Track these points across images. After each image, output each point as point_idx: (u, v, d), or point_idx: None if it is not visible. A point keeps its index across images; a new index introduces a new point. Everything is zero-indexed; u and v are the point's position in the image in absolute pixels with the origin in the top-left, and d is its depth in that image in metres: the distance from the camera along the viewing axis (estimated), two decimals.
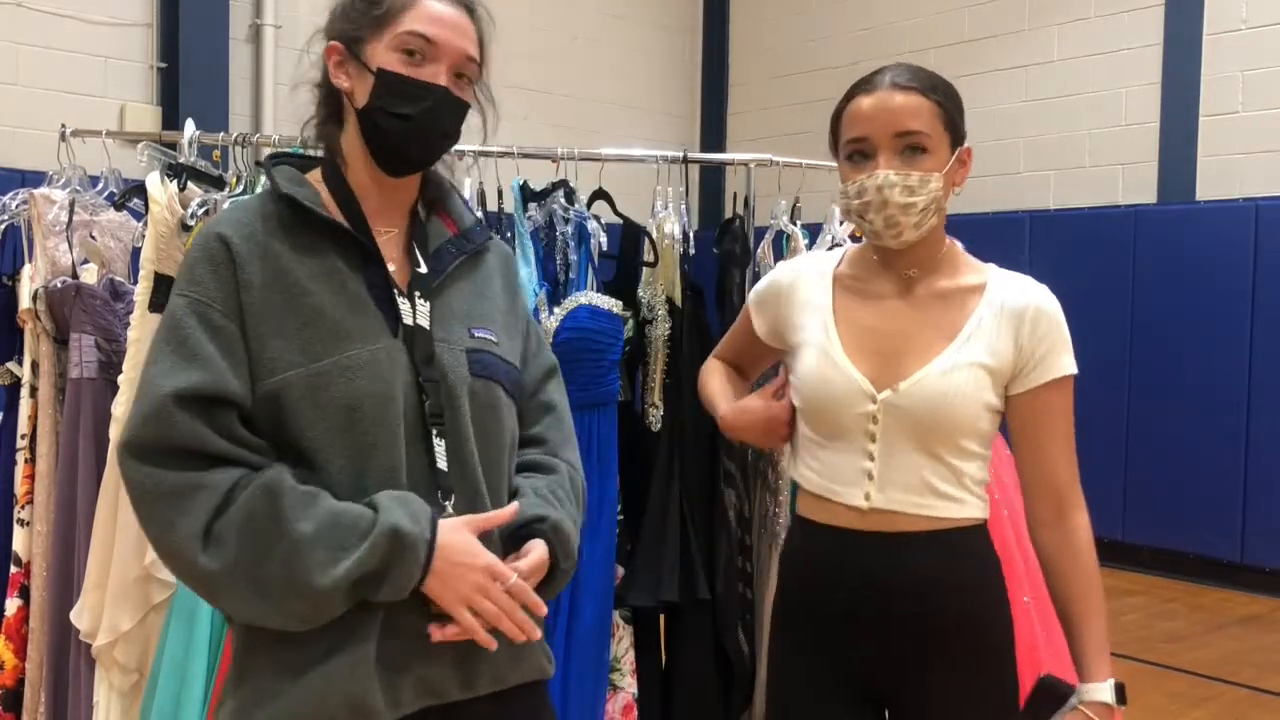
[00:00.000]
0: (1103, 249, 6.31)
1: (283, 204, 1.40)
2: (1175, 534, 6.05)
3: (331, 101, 1.48)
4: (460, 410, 1.41)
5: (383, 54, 1.41)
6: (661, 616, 2.53)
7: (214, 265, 1.36)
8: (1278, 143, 5.93)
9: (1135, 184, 6.46)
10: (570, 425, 1.62)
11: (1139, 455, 6.18)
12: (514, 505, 1.43)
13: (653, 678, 2.52)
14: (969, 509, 1.64)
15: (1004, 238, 6.53)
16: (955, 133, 1.62)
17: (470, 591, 1.34)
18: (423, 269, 1.46)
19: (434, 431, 1.39)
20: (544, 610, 1.41)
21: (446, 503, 1.39)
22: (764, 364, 1.95)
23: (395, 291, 1.41)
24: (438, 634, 1.35)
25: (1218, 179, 6.12)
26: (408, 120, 1.41)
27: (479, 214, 1.63)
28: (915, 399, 1.59)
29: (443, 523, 1.35)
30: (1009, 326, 1.62)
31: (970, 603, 1.63)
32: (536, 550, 1.42)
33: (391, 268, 1.44)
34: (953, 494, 1.62)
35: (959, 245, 2.59)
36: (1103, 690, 1.55)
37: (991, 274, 1.68)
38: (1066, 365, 1.62)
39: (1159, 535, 6.12)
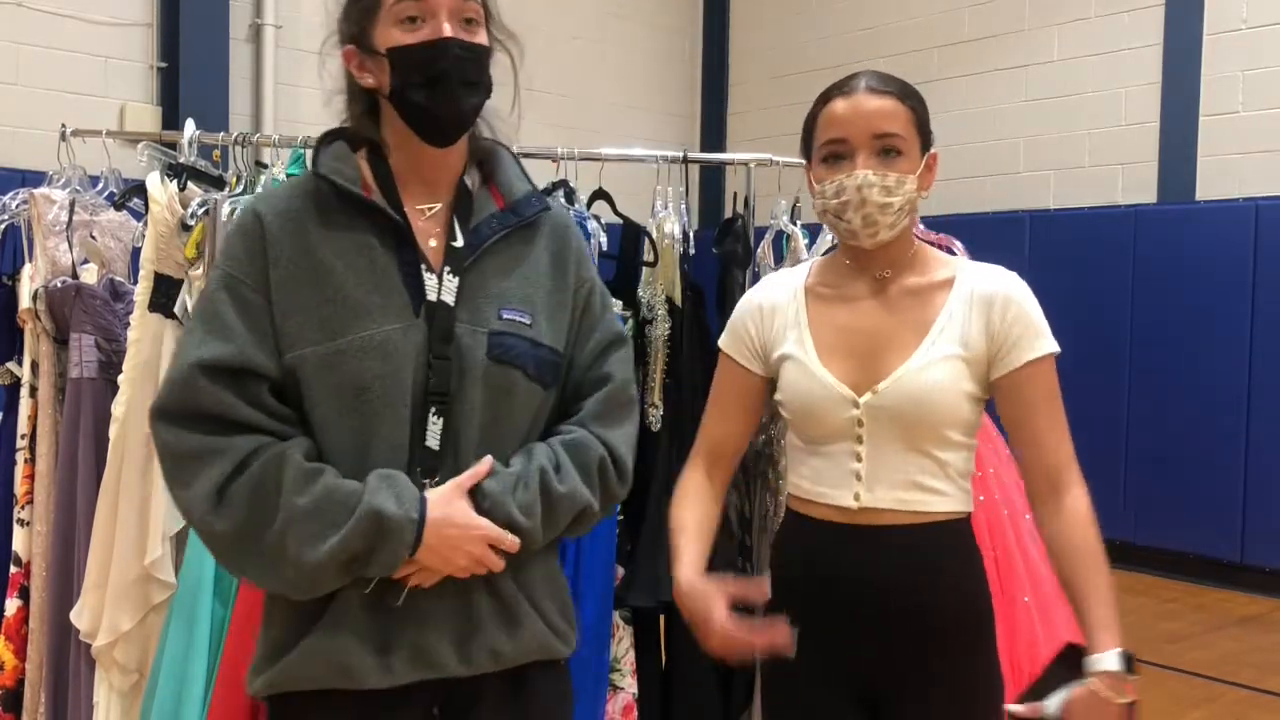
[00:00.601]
0: (1103, 249, 6.31)
1: (322, 182, 1.43)
2: (1175, 534, 6.05)
3: (363, 99, 1.49)
4: (469, 391, 1.41)
5: (386, 34, 1.41)
6: (661, 616, 2.53)
7: (247, 241, 1.41)
8: (1278, 143, 5.93)
9: (1135, 184, 6.46)
10: (622, 398, 1.56)
11: (1139, 455, 6.17)
12: (489, 459, 1.42)
13: (653, 678, 2.52)
14: (953, 502, 1.66)
15: (1004, 238, 6.53)
16: (925, 137, 1.67)
17: (469, 564, 1.38)
18: (459, 243, 1.45)
19: (433, 409, 1.40)
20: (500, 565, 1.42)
21: (428, 481, 1.40)
22: (754, 420, 1.83)
23: (423, 267, 1.42)
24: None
25: (1218, 179, 6.12)
26: (428, 85, 1.40)
27: (533, 185, 1.58)
28: (896, 398, 1.62)
29: (432, 495, 1.37)
30: (979, 314, 1.64)
31: (956, 594, 1.65)
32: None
33: (433, 244, 1.46)
34: (939, 488, 1.64)
35: (958, 244, 2.59)
36: (1109, 659, 1.53)
37: (960, 267, 1.72)
38: (1043, 345, 1.64)
39: (1159, 535, 6.12)
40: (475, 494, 1.40)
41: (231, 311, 1.38)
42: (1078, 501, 1.62)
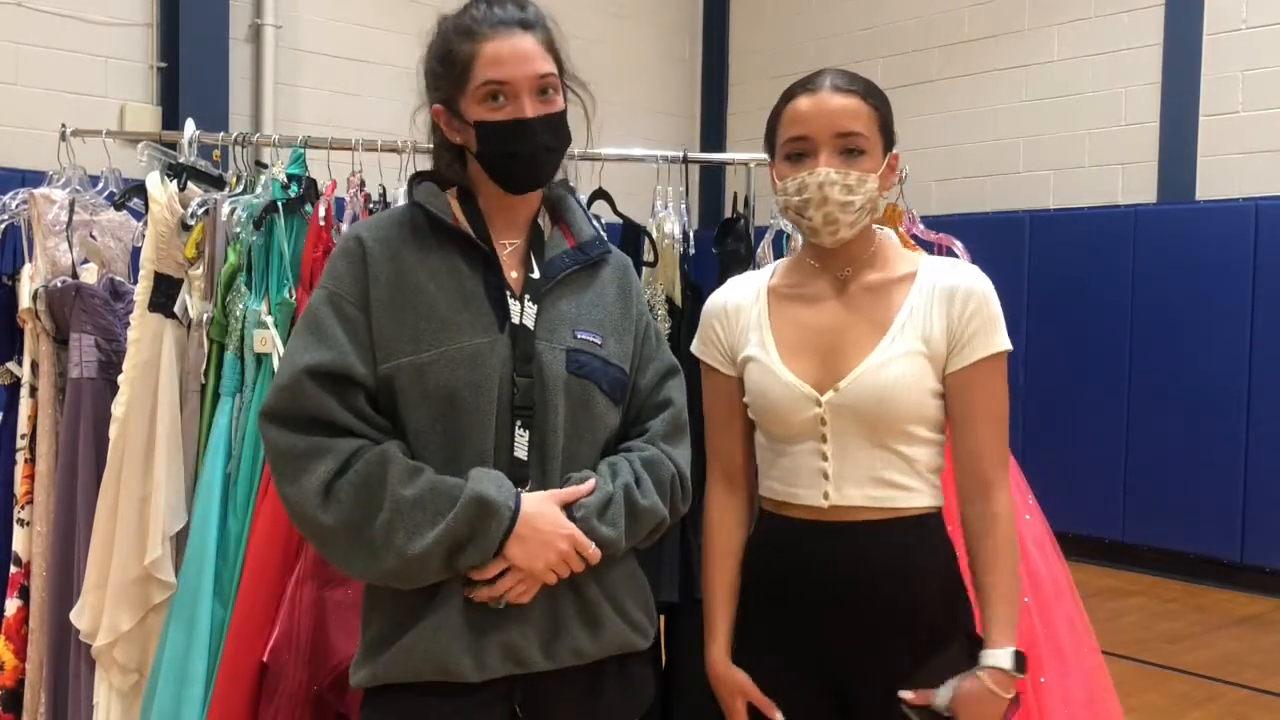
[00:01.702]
0: (1103, 249, 6.31)
1: (418, 212, 1.59)
2: (1175, 534, 6.05)
3: (452, 149, 1.64)
4: (552, 405, 1.54)
5: (472, 107, 1.56)
6: (661, 617, 2.53)
7: (350, 262, 1.56)
8: (1278, 143, 5.93)
9: (1135, 184, 6.46)
10: (681, 421, 1.69)
11: (1139, 455, 6.17)
12: (592, 480, 1.53)
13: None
14: (922, 497, 1.68)
15: (1004, 238, 6.53)
16: (888, 137, 1.69)
17: (556, 560, 1.48)
18: (536, 275, 1.60)
19: (519, 423, 1.52)
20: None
21: (520, 490, 1.51)
22: (751, 422, 1.83)
23: (507, 293, 1.57)
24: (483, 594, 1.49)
25: (1218, 179, 6.12)
26: (515, 156, 1.56)
27: (598, 229, 1.76)
28: (858, 395, 1.64)
29: (527, 495, 1.48)
30: (941, 307, 1.66)
31: (927, 590, 1.66)
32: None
33: (513, 275, 1.60)
34: (907, 484, 1.66)
35: (959, 244, 2.58)
36: (1004, 656, 1.59)
37: (922, 262, 1.73)
38: (997, 343, 1.66)
39: (1159, 535, 6.12)
40: (570, 505, 1.52)
41: (335, 324, 1.52)
42: (1000, 505, 1.66)
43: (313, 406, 1.49)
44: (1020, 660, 1.60)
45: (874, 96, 1.67)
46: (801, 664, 1.69)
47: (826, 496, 1.66)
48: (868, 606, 1.64)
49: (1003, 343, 1.66)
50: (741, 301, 1.78)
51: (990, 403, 1.66)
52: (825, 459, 1.66)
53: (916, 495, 1.67)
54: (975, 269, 1.71)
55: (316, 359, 1.49)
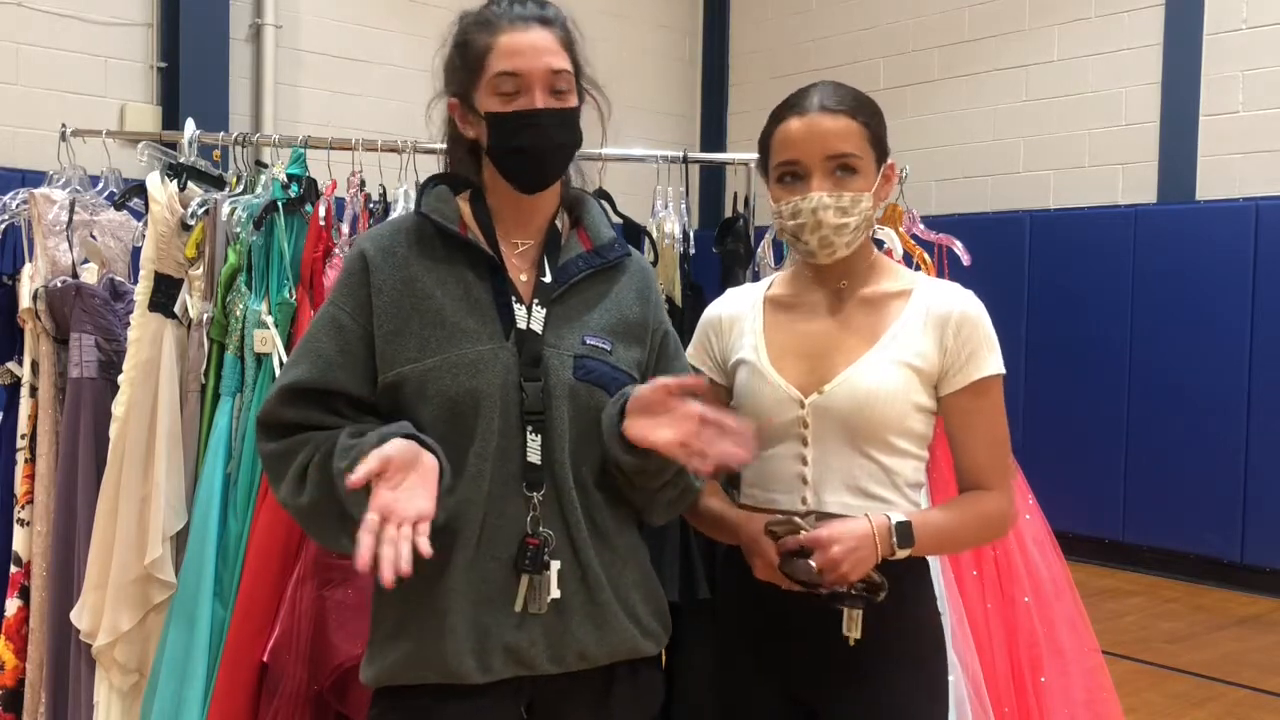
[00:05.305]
0: (1103, 249, 6.31)
1: (425, 222, 1.59)
2: (1175, 534, 6.05)
3: (466, 144, 1.64)
4: (559, 410, 1.53)
5: (485, 99, 1.56)
6: None
7: (350, 274, 1.58)
8: (1278, 143, 5.93)
9: (1135, 184, 6.46)
10: None
11: (1139, 455, 6.17)
12: None
13: None
14: (899, 512, 1.64)
15: (1004, 238, 6.53)
16: (881, 150, 1.68)
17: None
18: (547, 279, 1.60)
19: (529, 428, 1.51)
20: None
21: (534, 494, 1.52)
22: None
23: (514, 298, 1.56)
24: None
25: (1218, 179, 6.12)
26: (523, 150, 1.55)
27: (617, 232, 1.76)
28: (841, 399, 1.64)
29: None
30: (933, 331, 1.67)
31: (897, 606, 1.62)
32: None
33: (523, 278, 1.60)
34: (885, 495, 1.65)
35: (959, 244, 2.58)
36: (897, 516, 1.59)
37: (918, 281, 1.74)
38: (991, 366, 1.67)
39: (1159, 535, 6.12)
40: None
41: (325, 339, 1.55)
42: (990, 500, 1.67)
43: (290, 416, 1.52)
44: (906, 533, 1.56)
45: (864, 113, 1.66)
46: (774, 670, 1.68)
47: (805, 501, 1.66)
48: (834, 617, 1.61)
49: (996, 366, 1.67)
50: (737, 311, 1.80)
51: (986, 424, 1.67)
52: (805, 463, 1.66)
53: (893, 509, 1.64)
54: (969, 293, 1.72)
55: (295, 376, 1.53)
